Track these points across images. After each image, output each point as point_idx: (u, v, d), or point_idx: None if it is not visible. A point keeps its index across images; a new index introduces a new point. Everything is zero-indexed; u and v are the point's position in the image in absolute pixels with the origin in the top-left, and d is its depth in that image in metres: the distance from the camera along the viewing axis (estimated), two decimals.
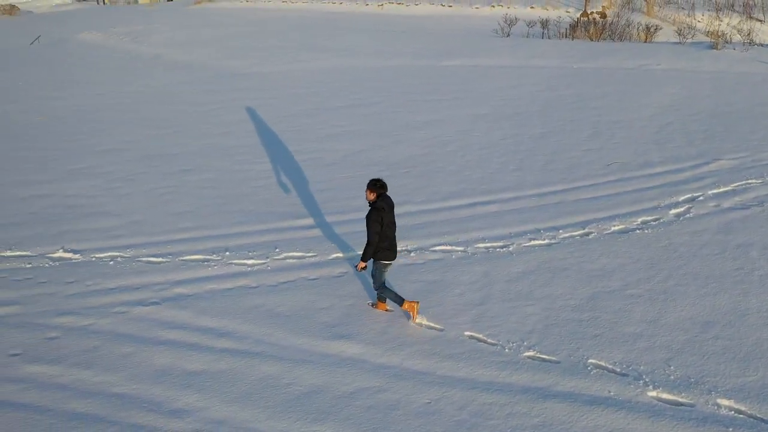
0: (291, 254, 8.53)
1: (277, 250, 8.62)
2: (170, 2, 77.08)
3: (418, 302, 6.90)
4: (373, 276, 6.87)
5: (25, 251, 8.67)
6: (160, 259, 8.41)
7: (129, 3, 77.77)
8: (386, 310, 7.15)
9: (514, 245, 8.69)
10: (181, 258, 8.45)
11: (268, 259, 8.39)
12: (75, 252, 8.62)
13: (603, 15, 28.97)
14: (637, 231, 8.96)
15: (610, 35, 24.54)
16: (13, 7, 56.19)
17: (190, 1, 56.03)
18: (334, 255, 8.52)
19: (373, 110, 15.89)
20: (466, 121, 14.73)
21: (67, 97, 18.39)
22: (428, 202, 10.17)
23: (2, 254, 8.59)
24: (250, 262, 8.35)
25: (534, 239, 8.85)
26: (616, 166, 11.44)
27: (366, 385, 5.97)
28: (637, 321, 6.91)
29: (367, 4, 37.98)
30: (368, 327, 6.89)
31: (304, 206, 10.05)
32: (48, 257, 8.51)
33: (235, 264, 8.31)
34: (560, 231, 9.06)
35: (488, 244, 8.73)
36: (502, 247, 8.66)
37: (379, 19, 33.58)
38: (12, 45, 33.54)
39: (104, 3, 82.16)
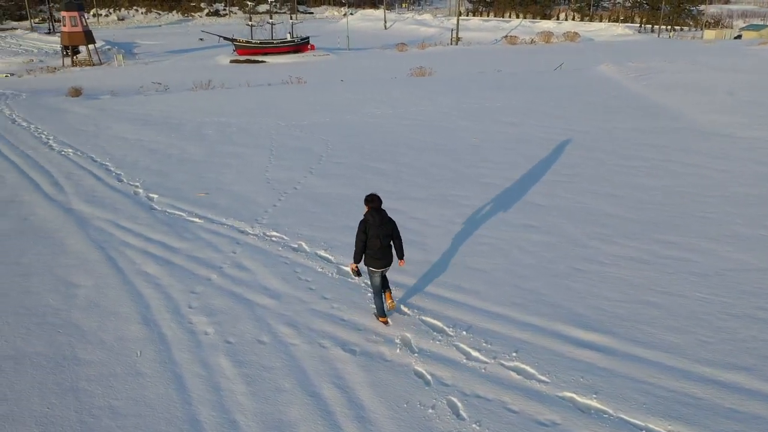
0: (523, 366, 6.85)
1: (514, 354, 7.06)
2: (738, 39, 70.86)
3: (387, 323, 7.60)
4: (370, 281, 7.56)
5: (332, 256, 9.64)
6: (408, 311, 8.04)
7: (693, 38, 75.29)
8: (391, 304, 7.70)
9: None
10: (424, 317, 7.88)
11: (494, 360, 6.96)
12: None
13: None
14: None
15: None
16: (575, 34, 62.00)
17: None
18: (568, 393, 6.42)
19: None
20: None
21: (518, 124, 19.23)
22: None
23: (317, 252, 9.79)
24: (474, 353, 7.12)
25: None
26: None
27: None
28: None
29: None
30: None
31: (599, 313, 7.85)
32: (340, 268, 9.24)
33: (460, 347, 7.22)
34: None
35: None
36: None
37: None
38: (540, 68, 37.18)
39: (669, 36, 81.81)
